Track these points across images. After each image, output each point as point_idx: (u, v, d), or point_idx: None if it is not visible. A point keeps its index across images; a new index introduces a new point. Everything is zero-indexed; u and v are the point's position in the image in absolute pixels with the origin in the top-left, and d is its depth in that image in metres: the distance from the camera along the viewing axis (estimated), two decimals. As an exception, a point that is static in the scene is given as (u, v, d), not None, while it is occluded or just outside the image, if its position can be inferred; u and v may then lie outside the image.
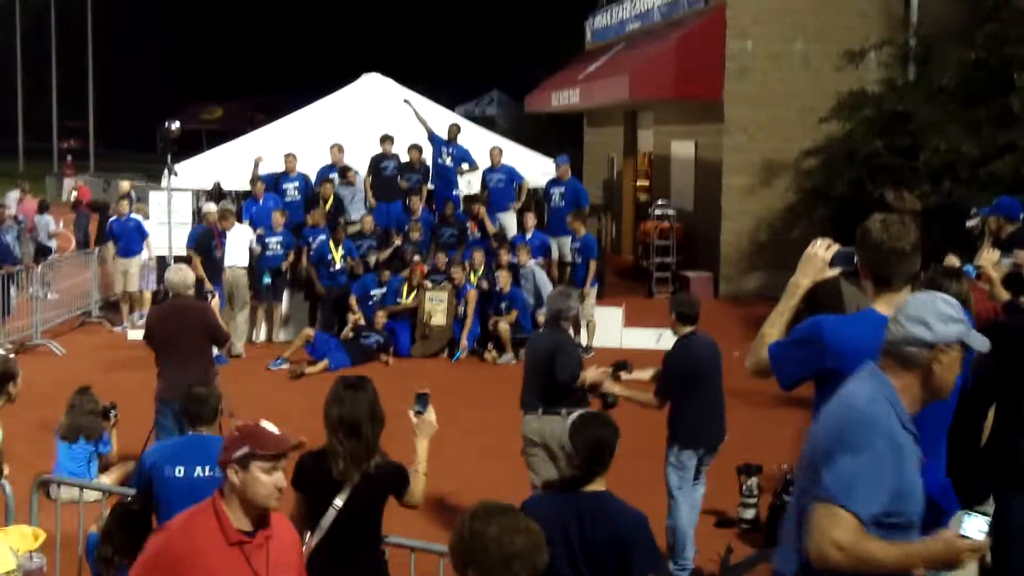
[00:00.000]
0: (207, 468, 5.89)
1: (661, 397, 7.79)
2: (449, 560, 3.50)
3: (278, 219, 16.24)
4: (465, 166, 17.57)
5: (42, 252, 21.52)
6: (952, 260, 6.86)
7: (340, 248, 16.03)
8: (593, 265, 15.87)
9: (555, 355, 7.81)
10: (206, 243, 15.64)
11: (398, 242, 16.55)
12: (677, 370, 7.76)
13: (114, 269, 18.01)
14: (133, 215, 17.95)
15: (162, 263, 16.92)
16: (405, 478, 5.25)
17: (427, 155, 17.45)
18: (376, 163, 17.46)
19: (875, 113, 18.12)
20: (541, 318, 15.18)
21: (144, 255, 17.80)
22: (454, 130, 17.56)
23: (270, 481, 3.91)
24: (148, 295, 17.87)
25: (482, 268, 15.74)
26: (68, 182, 35.79)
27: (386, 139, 17.36)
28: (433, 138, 17.40)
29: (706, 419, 7.75)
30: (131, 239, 17.63)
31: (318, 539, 5.09)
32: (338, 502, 5.04)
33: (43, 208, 23.77)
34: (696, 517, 7.95)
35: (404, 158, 17.45)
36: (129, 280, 17.54)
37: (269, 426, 3.99)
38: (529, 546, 3.32)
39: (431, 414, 5.33)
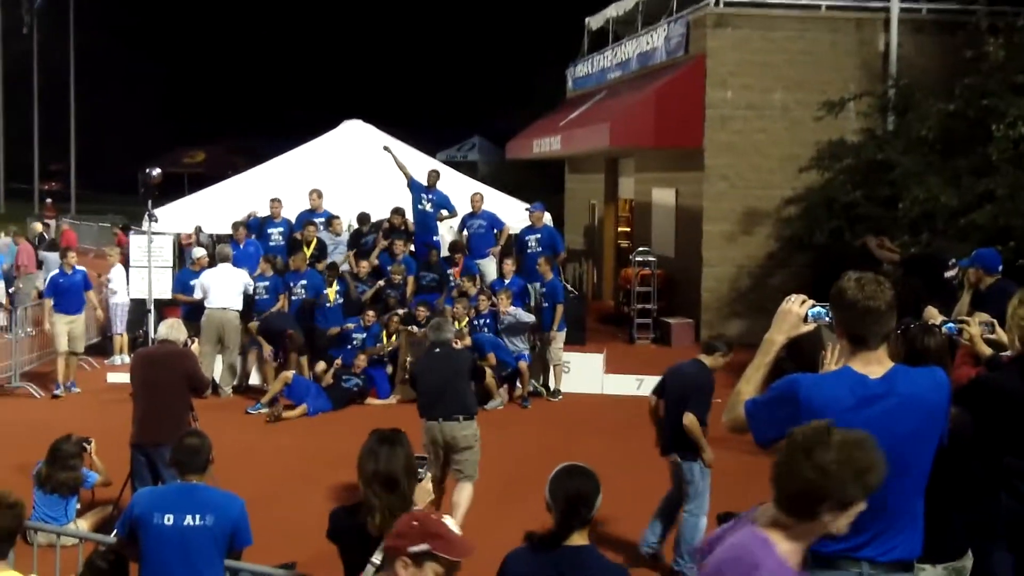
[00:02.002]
0: (197, 517, 5.84)
1: None
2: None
3: (264, 264, 16.19)
4: (444, 212, 17.58)
5: None
6: (932, 312, 6.87)
7: (335, 285, 16.11)
8: (559, 309, 15.84)
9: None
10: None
11: (381, 283, 16.53)
12: None
13: (55, 325, 15.67)
14: (78, 267, 16.39)
15: (141, 307, 16.84)
16: None
17: (407, 203, 17.45)
18: (356, 239, 17.57)
19: (855, 162, 18.24)
20: (523, 365, 15.34)
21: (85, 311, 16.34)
22: (433, 176, 17.58)
23: None
24: (126, 338, 17.77)
25: (465, 319, 15.57)
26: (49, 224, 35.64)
27: (364, 218, 17.57)
28: (413, 185, 17.39)
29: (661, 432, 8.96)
30: (78, 294, 16.00)
31: None
32: (376, 559, 4.84)
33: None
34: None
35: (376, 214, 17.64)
36: (75, 340, 15.78)
37: (451, 524, 3.70)
38: (872, 457, 3.31)
39: (427, 482, 5.32)
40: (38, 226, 24.71)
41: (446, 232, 17.98)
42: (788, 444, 3.37)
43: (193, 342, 9.73)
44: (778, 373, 4.46)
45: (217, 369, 15.60)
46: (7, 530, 5.14)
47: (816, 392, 4.20)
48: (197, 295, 15.84)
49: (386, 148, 18.05)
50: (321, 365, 15.64)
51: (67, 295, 15.83)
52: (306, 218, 17.40)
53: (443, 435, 9.33)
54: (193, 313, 15.67)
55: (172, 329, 9.28)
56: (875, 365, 4.26)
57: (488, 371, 14.94)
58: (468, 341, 14.62)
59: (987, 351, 6.44)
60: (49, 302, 15.84)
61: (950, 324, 6.33)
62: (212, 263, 16.44)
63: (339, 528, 5.04)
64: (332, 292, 16.10)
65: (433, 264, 16.86)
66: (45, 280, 17.75)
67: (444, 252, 17.34)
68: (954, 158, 16.66)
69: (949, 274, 10.09)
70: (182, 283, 16.37)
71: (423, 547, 3.58)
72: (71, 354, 15.81)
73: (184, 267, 17.21)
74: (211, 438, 6.43)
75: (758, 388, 4.41)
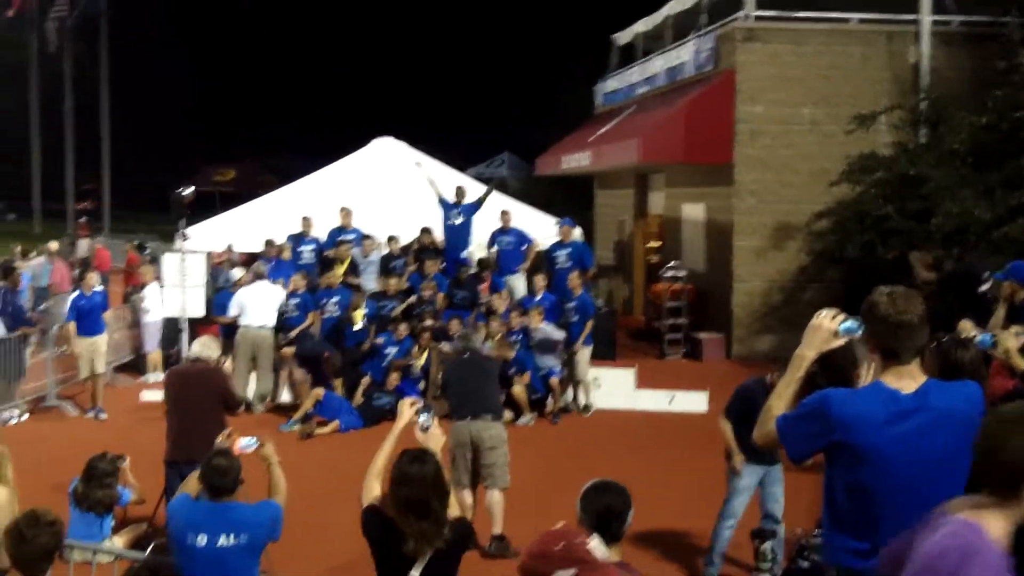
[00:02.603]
0: (231, 536, 5.85)
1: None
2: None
3: (298, 281, 16.24)
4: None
5: None
6: (966, 325, 6.82)
7: (362, 307, 16.08)
8: (588, 325, 15.80)
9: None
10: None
11: (413, 299, 16.56)
12: None
13: (79, 350, 15.48)
14: (96, 287, 16.04)
15: (173, 325, 16.95)
16: (471, 533, 5.28)
17: (438, 218, 17.51)
18: (386, 263, 17.56)
19: (886, 176, 18.14)
20: (554, 380, 15.35)
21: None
22: (460, 192, 17.69)
23: None
24: (159, 355, 17.84)
25: (499, 335, 15.53)
26: (83, 244, 35.89)
27: (392, 239, 17.63)
28: (443, 202, 17.50)
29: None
30: (98, 315, 15.84)
31: None
32: (414, 574, 4.89)
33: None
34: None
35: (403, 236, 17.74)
36: (98, 360, 15.52)
37: (597, 548, 3.59)
38: None
39: (436, 427, 5.38)
40: (53, 244, 24.80)
41: (475, 247, 18.06)
42: (992, 421, 3.36)
43: (226, 360, 9.80)
44: (810, 388, 4.44)
45: (250, 387, 15.67)
46: (46, 548, 5.19)
47: (848, 407, 4.18)
48: (233, 312, 15.89)
49: (418, 164, 18.18)
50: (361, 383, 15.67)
51: (89, 317, 15.60)
52: (337, 236, 17.46)
53: (471, 433, 9.60)
54: (232, 331, 15.75)
55: (205, 347, 9.35)
56: (908, 380, 4.23)
57: (520, 388, 14.96)
58: (511, 353, 14.63)
59: (1023, 365, 6.40)
60: (72, 325, 15.60)
61: (984, 337, 6.29)
62: (244, 280, 16.53)
63: (373, 535, 5.07)
64: (359, 315, 16.11)
65: (464, 281, 16.89)
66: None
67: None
68: (987, 171, 16.56)
69: (983, 288, 10.04)
70: (221, 305, 16.39)
71: (571, 572, 3.49)
72: (93, 375, 15.58)
73: (222, 289, 17.23)
74: (247, 459, 6.44)
75: (789, 404, 4.39)
